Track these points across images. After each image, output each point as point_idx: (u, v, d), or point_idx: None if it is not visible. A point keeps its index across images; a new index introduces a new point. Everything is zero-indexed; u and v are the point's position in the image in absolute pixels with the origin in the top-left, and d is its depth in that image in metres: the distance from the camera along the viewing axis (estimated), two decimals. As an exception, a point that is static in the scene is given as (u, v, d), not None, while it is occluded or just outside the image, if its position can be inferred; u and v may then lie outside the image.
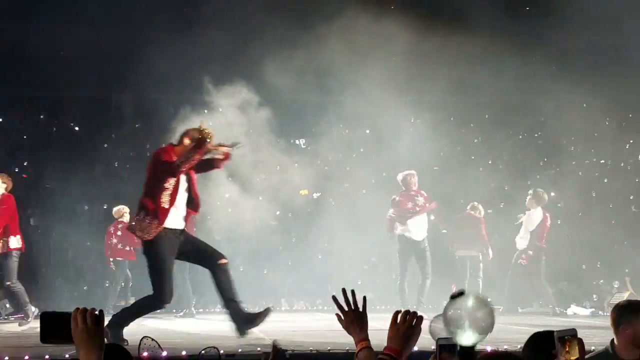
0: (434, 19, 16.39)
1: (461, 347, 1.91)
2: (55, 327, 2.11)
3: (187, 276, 11.89)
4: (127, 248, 12.41)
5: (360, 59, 16.81)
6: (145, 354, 2.57)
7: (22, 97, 20.25)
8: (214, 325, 9.87)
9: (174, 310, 12.44)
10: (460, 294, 1.92)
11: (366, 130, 20.78)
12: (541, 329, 3.28)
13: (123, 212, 12.68)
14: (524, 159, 18.93)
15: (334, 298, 3.04)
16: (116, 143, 19.24)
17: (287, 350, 5.95)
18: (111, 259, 12.63)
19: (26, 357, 5.34)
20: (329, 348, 6.21)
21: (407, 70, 16.40)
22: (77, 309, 2.17)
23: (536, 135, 19.96)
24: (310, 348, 6.21)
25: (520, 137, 19.69)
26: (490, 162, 18.64)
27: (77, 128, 20.01)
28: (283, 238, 15.51)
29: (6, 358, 5.33)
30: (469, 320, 1.85)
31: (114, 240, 12.55)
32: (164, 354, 2.54)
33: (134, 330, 9.13)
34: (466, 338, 1.87)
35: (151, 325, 10.07)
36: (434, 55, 15.95)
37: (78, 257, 14.99)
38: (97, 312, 2.19)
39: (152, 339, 2.51)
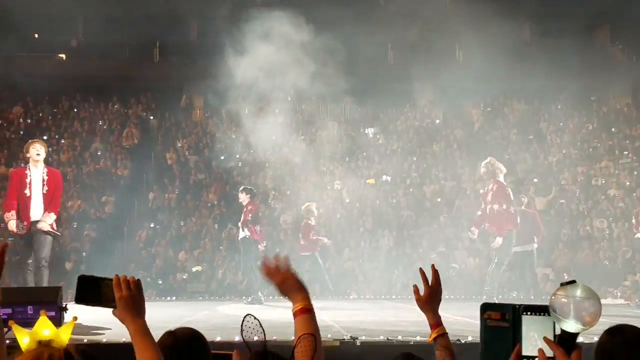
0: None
1: (562, 332, 1.93)
2: (92, 290, 2.25)
3: (254, 265, 12.02)
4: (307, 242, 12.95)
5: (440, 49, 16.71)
6: (255, 337, 2.55)
7: (94, 86, 20.82)
8: (281, 313, 9.92)
9: (243, 297, 12.58)
10: (570, 282, 1.93)
11: (436, 119, 20.59)
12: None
13: (310, 208, 13.16)
14: (596, 147, 18.43)
15: (421, 270, 2.94)
16: (185, 131, 19.59)
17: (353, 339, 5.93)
18: (302, 253, 13.12)
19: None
20: (399, 336, 6.16)
21: (479, 61, 16.20)
22: (117, 275, 2.27)
23: (613, 127, 19.44)
24: (381, 336, 6.16)
25: (590, 127, 19.22)
26: (564, 152, 18.19)
27: (149, 117, 20.45)
28: (351, 228, 15.47)
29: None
30: (574, 309, 1.88)
31: (300, 236, 13.13)
32: (255, 338, 2.51)
33: (208, 316, 9.30)
34: (568, 326, 1.89)
35: (221, 311, 10.21)
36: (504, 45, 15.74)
37: (150, 244, 15.31)
38: (137, 280, 2.31)
39: (255, 318, 2.49)
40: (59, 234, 8.99)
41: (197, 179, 17.40)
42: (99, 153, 18.09)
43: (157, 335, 2.96)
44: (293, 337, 2.45)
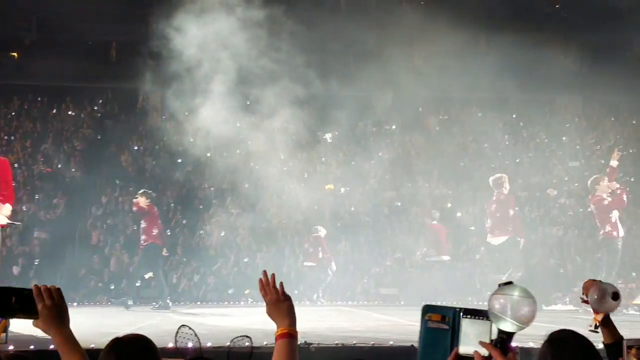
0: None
1: (500, 332, 1.96)
2: (9, 302, 2.15)
3: (156, 270, 12.36)
4: None
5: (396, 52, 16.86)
6: (190, 344, 2.53)
7: (47, 86, 20.39)
8: (218, 320, 9.82)
9: (198, 302, 12.43)
10: (507, 283, 1.97)
11: (393, 126, 20.69)
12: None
13: (319, 229, 14.41)
14: (548, 157, 18.79)
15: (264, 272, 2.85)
16: (143, 134, 19.31)
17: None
18: (305, 264, 14.32)
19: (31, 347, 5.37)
20: (354, 342, 6.15)
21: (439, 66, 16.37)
22: (36, 286, 2.20)
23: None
24: (336, 342, 6.14)
25: (543, 136, 19.66)
26: (517, 160, 18.47)
27: (103, 118, 20.11)
28: (308, 233, 15.44)
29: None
30: (511, 309, 1.92)
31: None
32: (209, 344, 2.49)
33: (160, 322, 9.15)
34: (505, 326, 1.93)
35: (174, 317, 10.08)
36: (471, 52, 15.97)
37: (102, 248, 15.01)
38: (57, 288, 2.24)
39: (190, 328, 2.47)
40: (18, 223, 8.40)
41: (153, 183, 17.14)
42: (49, 153, 17.69)
43: (105, 342, 2.88)
44: (228, 344, 2.45)
